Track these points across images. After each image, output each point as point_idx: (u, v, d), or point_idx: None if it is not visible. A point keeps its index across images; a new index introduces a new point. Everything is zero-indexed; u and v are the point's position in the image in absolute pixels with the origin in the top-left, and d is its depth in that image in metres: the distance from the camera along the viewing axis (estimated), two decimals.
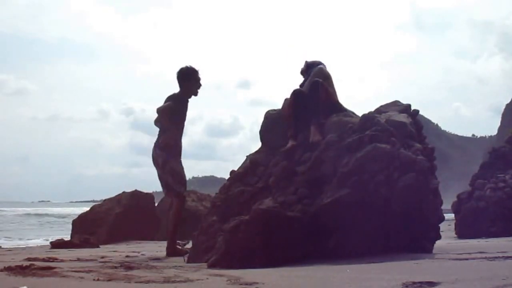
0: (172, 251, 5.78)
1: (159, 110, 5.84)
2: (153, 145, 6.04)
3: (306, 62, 5.70)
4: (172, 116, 5.83)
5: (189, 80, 5.96)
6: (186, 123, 6.10)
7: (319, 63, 5.61)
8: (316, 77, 5.21)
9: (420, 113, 5.50)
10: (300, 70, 5.73)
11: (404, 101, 5.44)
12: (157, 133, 6.04)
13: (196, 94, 6.01)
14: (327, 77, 5.29)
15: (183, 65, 6.05)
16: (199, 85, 6.02)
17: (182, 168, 5.99)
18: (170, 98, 5.93)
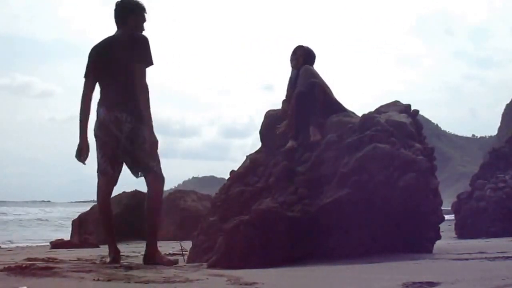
0: (154, 256, 4.13)
1: (137, 64, 4.04)
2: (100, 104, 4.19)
3: (301, 49, 5.39)
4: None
5: (133, 12, 4.25)
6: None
7: (312, 53, 5.47)
8: (306, 77, 5.17)
9: (420, 113, 5.50)
10: (292, 53, 5.43)
11: (404, 101, 5.44)
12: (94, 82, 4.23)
13: (142, 31, 4.30)
14: (316, 76, 5.24)
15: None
16: (144, 21, 4.33)
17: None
18: (127, 40, 4.13)
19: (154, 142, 4.06)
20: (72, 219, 14.07)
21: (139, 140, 4.05)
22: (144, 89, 4.07)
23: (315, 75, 5.19)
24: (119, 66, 4.11)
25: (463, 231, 9.67)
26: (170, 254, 6.52)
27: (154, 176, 4.11)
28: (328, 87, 5.23)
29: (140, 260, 5.00)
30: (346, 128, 4.80)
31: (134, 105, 4.05)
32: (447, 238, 8.03)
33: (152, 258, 4.12)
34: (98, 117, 4.18)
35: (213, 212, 5.37)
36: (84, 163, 4.23)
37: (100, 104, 4.19)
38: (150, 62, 4.11)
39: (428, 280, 2.63)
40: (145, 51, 4.10)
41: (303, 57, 5.35)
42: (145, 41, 4.13)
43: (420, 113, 5.52)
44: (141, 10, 4.30)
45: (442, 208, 5.04)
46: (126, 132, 4.02)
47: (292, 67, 5.42)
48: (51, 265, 3.67)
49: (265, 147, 5.43)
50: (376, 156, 4.41)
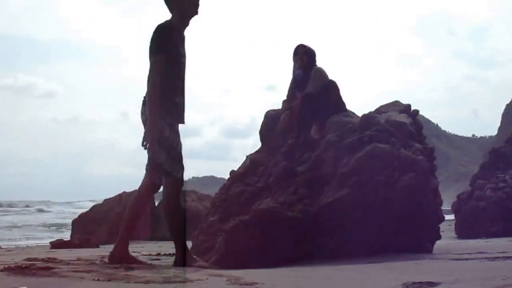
0: (119, 256, 3.84)
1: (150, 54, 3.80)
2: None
3: (304, 48, 5.40)
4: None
5: None
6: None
7: (313, 52, 5.49)
8: (320, 78, 5.18)
9: (420, 113, 5.50)
10: (293, 53, 5.44)
11: (404, 101, 5.44)
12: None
13: (196, 12, 3.98)
14: (327, 78, 5.25)
15: None
16: (196, 2, 3.99)
17: (178, 138, 3.86)
18: (158, 33, 3.82)
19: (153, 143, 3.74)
20: (72, 219, 14.04)
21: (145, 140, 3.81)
22: (151, 84, 3.76)
23: (326, 77, 5.21)
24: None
25: (463, 231, 9.67)
26: (170, 254, 6.50)
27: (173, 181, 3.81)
28: None
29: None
30: (346, 128, 4.80)
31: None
32: (447, 238, 8.02)
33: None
34: None
35: (213, 212, 5.37)
36: None
37: None
38: (156, 51, 3.76)
39: (428, 280, 2.63)
40: (153, 42, 3.78)
41: (306, 56, 5.37)
42: (155, 31, 3.80)
43: (420, 113, 5.53)
44: None
45: (442, 208, 5.04)
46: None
47: (297, 67, 5.42)
48: (51, 265, 3.67)
49: (265, 147, 5.43)
50: (376, 156, 4.41)
